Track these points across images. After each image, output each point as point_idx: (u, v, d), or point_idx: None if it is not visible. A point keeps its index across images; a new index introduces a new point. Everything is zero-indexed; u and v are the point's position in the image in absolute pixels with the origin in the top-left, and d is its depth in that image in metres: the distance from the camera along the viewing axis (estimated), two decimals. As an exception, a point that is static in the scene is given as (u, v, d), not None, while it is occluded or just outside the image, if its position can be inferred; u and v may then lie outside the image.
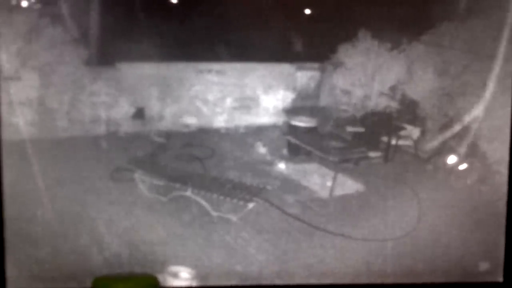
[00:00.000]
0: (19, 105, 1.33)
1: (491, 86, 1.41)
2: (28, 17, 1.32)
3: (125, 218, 1.37)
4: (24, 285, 1.35)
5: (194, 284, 1.38)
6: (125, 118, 1.37)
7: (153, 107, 1.38)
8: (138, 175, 1.37)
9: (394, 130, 1.44)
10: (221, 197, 1.38)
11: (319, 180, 1.42)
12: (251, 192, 1.39)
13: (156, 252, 1.37)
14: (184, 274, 1.38)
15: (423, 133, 1.44)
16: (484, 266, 1.43)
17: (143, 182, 1.37)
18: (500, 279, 1.43)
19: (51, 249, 1.36)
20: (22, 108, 1.33)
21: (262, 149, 1.41)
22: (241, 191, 1.39)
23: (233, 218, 1.38)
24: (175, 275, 1.37)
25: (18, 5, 1.31)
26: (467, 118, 1.42)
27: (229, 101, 1.39)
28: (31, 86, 1.33)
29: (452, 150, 1.44)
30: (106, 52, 1.36)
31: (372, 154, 1.44)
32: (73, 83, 1.35)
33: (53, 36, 1.33)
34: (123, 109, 1.37)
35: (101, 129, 1.37)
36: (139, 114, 1.37)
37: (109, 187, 1.37)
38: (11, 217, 1.33)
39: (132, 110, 1.37)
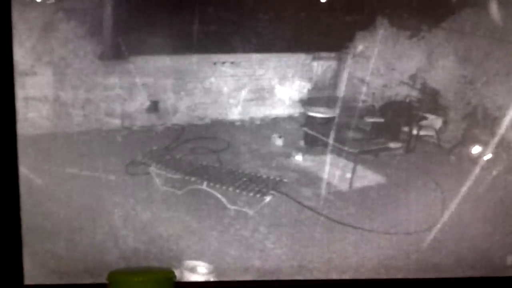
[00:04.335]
0: (35, 100, 1.34)
1: (516, 73, 1.36)
2: (42, 12, 1.32)
3: (141, 212, 1.36)
4: (41, 279, 1.34)
5: (211, 279, 1.36)
6: (139, 111, 1.36)
7: (168, 100, 1.37)
8: (153, 169, 1.36)
9: (415, 120, 1.40)
10: (237, 191, 1.36)
11: (337, 172, 1.39)
12: (268, 185, 1.37)
13: (172, 247, 1.36)
14: (201, 269, 1.36)
15: (445, 122, 1.40)
16: (512, 259, 1.39)
17: (158, 175, 1.36)
18: (529, 273, 1.38)
19: (68, 244, 1.35)
20: (38, 103, 1.34)
21: (278, 141, 1.39)
22: (257, 184, 1.37)
23: (250, 211, 1.36)
24: (192, 270, 1.36)
25: (32, 0, 1.31)
26: (491, 107, 1.38)
27: (244, 93, 1.37)
28: (46, 81, 1.34)
29: (476, 140, 1.39)
30: (120, 46, 1.36)
31: (393, 145, 1.40)
32: (87, 77, 1.35)
33: (67, 31, 1.33)
34: (138, 103, 1.36)
35: (116, 123, 1.36)
36: (154, 107, 1.36)
37: (124, 181, 1.36)
38: (28, 212, 1.34)
39: (146, 104, 1.36)
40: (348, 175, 1.39)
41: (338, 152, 1.40)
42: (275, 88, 1.38)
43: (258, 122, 1.38)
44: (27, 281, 1.34)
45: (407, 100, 1.39)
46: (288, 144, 1.39)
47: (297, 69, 1.38)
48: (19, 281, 1.33)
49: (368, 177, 1.39)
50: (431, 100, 1.39)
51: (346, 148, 1.39)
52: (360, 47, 1.38)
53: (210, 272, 1.36)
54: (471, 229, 1.39)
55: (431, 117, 1.40)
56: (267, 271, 1.37)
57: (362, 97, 1.40)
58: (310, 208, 1.37)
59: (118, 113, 1.36)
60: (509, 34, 1.37)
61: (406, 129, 1.41)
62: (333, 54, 1.39)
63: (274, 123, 1.38)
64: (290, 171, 1.38)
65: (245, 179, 1.37)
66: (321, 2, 1.35)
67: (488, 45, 1.37)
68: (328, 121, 1.40)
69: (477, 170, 1.39)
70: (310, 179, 1.38)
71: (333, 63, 1.40)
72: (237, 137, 1.37)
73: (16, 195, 1.33)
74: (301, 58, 1.39)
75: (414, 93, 1.39)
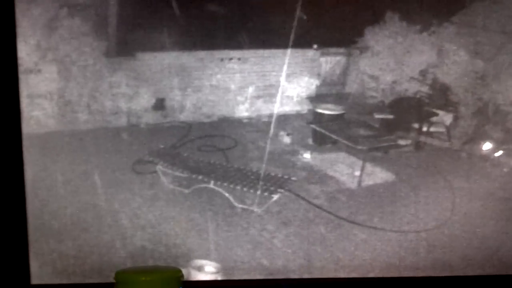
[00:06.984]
0: (39, 98, 1.32)
1: (527, 68, 1.34)
2: (46, 8, 1.30)
3: (148, 211, 1.35)
4: (48, 280, 1.34)
5: (218, 278, 1.35)
6: (146, 109, 1.35)
7: (174, 97, 1.35)
8: (160, 167, 1.35)
9: (425, 116, 1.38)
10: (245, 189, 1.34)
11: (346, 169, 1.37)
12: (276, 183, 1.35)
13: (179, 246, 1.35)
14: (209, 268, 1.35)
15: (456, 119, 1.38)
16: (523, 258, 1.37)
17: (165, 174, 1.35)
18: (540, 271, 1.36)
19: (74, 243, 1.35)
20: (42, 101, 1.32)
21: (286, 139, 1.37)
22: (265, 182, 1.35)
23: (257, 210, 1.35)
24: (200, 269, 1.35)
25: (36, -4, 1.30)
26: (502, 102, 1.36)
27: (251, 90, 1.35)
28: (51, 79, 1.32)
29: (487, 136, 1.37)
30: (125, 43, 1.34)
31: (402, 141, 1.38)
32: (93, 74, 1.33)
33: (72, 28, 1.32)
34: (144, 100, 1.35)
35: (122, 121, 1.35)
36: (160, 105, 1.35)
37: (131, 180, 1.35)
38: (34, 211, 1.33)
39: (152, 101, 1.35)
40: (357, 173, 1.37)
41: (347, 150, 1.38)
42: (283, 85, 1.36)
43: (265, 120, 1.36)
44: (34, 280, 1.34)
45: (417, 96, 1.37)
46: (296, 141, 1.37)
47: (305, 65, 1.36)
48: (26, 280, 1.33)
49: (377, 175, 1.38)
50: (442, 96, 1.37)
51: (355, 145, 1.38)
52: (369, 42, 1.35)
53: (217, 271, 1.35)
54: (481, 227, 1.37)
55: (441, 113, 1.38)
56: (275, 270, 1.36)
57: (372, 93, 1.38)
58: (319, 206, 1.36)
59: (124, 111, 1.34)
60: (521, 28, 1.34)
61: (416, 125, 1.39)
62: (341, 50, 1.37)
63: (282, 121, 1.36)
64: (298, 169, 1.37)
65: (252, 177, 1.35)
66: (330, -3, 1.33)
67: (499, 39, 1.34)
68: (336, 118, 1.38)
69: (488, 167, 1.37)
70: (319, 177, 1.36)
71: (342, 59, 1.37)
72: (245, 135, 1.36)
73: (21, 194, 1.32)
74: (309, 53, 1.36)
75: (424, 89, 1.37)
